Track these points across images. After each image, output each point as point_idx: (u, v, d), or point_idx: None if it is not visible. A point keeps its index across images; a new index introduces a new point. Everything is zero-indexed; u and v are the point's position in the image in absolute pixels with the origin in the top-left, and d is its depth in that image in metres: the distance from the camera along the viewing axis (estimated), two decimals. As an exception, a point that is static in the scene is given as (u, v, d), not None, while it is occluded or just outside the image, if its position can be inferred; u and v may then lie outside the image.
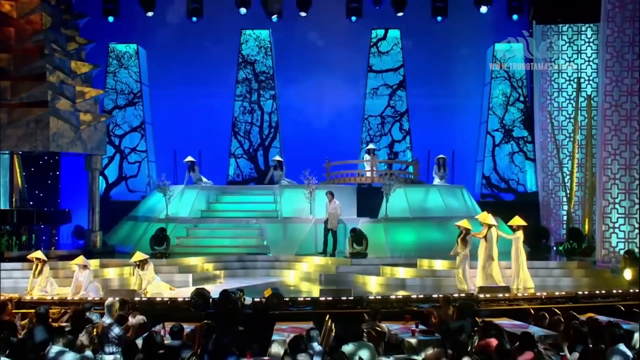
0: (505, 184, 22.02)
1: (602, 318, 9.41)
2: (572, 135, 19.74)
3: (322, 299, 11.78)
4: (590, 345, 7.54)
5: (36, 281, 12.57)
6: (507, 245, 13.41)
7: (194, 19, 21.79)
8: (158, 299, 11.84)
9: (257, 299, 11.47)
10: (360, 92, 22.50)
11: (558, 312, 10.28)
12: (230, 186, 20.50)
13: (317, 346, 7.62)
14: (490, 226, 13.02)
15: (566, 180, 19.67)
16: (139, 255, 12.94)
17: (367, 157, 19.42)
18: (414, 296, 12.01)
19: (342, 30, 22.53)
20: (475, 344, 7.90)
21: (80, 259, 12.63)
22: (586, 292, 12.35)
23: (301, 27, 22.28)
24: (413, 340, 8.90)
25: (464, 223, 13.16)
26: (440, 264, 14.57)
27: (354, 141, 22.38)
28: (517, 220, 13.42)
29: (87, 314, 9.55)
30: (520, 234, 13.22)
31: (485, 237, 13.00)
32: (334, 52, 22.50)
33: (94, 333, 8.45)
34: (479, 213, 14.90)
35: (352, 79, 22.60)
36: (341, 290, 12.32)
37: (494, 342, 7.44)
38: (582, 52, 20.04)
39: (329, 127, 22.40)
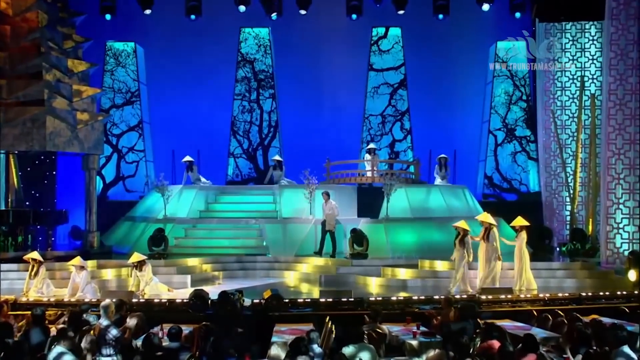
0: (507, 184, 22.02)
1: (606, 320, 9.40)
2: (575, 134, 19.74)
3: (322, 300, 11.77)
4: (594, 348, 7.53)
5: (32, 282, 12.56)
6: (510, 246, 13.42)
7: (193, 16, 21.79)
8: (156, 301, 11.83)
9: (256, 301, 11.46)
10: (360, 90, 22.49)
11: (561, 313, 10.27)
12: (229, 186, 20.50)
13: (317, 348, 7.62)
14: (490, 226, 13.05)
15: (569, 180, 19.66)
16: (136, 256, 12.94)
17: (367, 156, 19.43)
18: (415, 297, 12.00)
19: (343, 28, 22.52)
20: (477, 346, 7.90)
21: (77, 260, 12.62)
22: (590, 294, 12.35)
23: (301, 25, 22.27)
24: (414, 342, 8.90)
25: (462, 224, 13.18)
26: (441, 265, 14.55)
27: (355, 141, 22.38)
28: (519, 221, 13.44)
29: (84, 315, 9.54)
30: (523, 234, 13.24)
31: (486, 237, 13.02)
32: (334, 50, 22.51)
33: (91, 335, 8.44)
34: (481, 213, 14.90)
35: (353, 77, 22.59)
36: (341, 292, 12.32)
37: (496, 344, 7.44)
38: (585, 50, 20.03)
39: (329, 126, 22.40)
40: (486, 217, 13.28)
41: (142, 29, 22.36)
